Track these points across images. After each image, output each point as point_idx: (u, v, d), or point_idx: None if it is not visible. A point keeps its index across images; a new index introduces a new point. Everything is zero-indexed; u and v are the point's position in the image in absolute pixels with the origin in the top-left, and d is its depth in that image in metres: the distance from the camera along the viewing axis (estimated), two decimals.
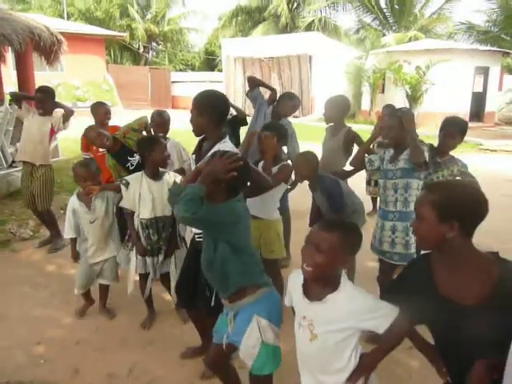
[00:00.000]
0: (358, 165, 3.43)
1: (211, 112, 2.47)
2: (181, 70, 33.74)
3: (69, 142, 8.68)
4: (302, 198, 3.69)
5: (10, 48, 6.95)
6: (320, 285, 1.64)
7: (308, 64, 18.70)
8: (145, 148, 3.07)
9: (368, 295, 1.64)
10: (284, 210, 4.40)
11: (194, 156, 2.67)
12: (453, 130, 3.29)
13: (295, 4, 27.61)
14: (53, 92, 4.71)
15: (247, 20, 28.18)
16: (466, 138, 12.41)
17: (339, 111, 3.98)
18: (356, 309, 1.59)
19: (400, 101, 15.90)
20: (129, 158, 3.96)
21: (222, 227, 1.96)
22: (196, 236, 2.59)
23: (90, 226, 3.21)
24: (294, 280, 1.78)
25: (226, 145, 2.47)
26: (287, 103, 4.19)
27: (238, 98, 18.98)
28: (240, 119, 4.33)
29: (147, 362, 2.89)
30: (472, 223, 1.45)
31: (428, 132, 14.74)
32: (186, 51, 36.00)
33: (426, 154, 2.87)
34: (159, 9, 30.13)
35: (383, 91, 17.65)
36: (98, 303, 3.49)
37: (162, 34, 30.92)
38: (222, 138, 2.50)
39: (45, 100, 4.54)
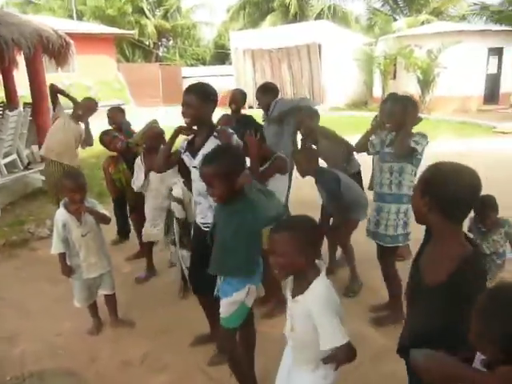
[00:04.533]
0: (362, 150, 3.50)
1: (212, 101, 2.64)
2: (192, 65, 33.85)
3: None
4: (313, 189, 3.81)
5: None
6: (297, 282, 1.75)
7: (317, 53, 18.59)
8: None
9: (327, 311, 1.62)
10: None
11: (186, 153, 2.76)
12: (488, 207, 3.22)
13: None
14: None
15: (255, 11, 28.05)
16: (480, 121, 12.36)
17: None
18: (312, 313, 1.63)
19: (412, 86, 15.75)
20: None
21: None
22: (203, 225, 2.70)
23: (81, 240, 3.02)
24: None
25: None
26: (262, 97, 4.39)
27: (248, 90, 18.80)
28: (252, 120, 4.46)
29: (159, 350, 3.03)
30: (449, 206, 1.47)
31: (441, 116, 14.64)
32: (196, 46, 36.09)
33: (414, 144, 2.93)
34: (169, 4, 30.22)
35: (395, 77, 17.46)
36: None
37: (172, 29, 31.04)
38: (213, 130, 2.66)
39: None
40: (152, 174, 3.69)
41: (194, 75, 24.74)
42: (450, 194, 1.45)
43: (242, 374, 2.49)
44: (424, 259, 1.62)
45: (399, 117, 3.03)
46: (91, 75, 17.98)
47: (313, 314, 1.62)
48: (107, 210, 3.34)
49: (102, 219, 3.11)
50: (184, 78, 24.32)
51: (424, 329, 1.50)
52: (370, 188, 4.31)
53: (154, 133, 3.88)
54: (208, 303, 2.93)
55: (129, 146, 4.26)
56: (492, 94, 16.90)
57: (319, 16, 25.00)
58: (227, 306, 2.28)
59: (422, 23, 20.02)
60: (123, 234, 4.98)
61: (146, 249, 4.17)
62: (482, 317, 1.20)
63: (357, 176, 4.06)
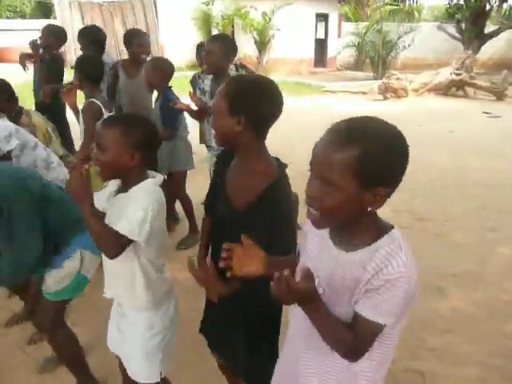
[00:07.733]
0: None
1: None
2: (8, 18, 29.14)
3: None
4: None
5: None
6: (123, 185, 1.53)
7: (153, 9, 17.59)
8: None
9: (142, 201, 1.44)
10: None
11: None
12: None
13: None
14: None
15: None
16: (312, 82, 13.39)
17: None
18: (127, 201, 1.47)
19: (250, 48, 16.10)
20: None
21: None
22: None
23: None
24: (100, 196, 1.62)
25: None
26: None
27: (78, 47, 17.13)
28: None
29: None
30: (263, 122, 1.40)
31: (278, 77, 15.37)
32: None
33: None
34: None
35: (233, 38, 17.62)
36: None
37: None
38: None
39: None
40: None
41: (11, 28, 21.39)
42: (265, 109, 1.37)
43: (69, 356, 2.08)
44: (230, 186, 1.50)
45: (215, 56, 2.89)
46: None
47: (127, 202, 1.44)
48: None
49: None
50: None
51: None
52: (202, 141, 4.15)
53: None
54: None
55: None
56: (321, 58, 18.34)
57: None
58: (55, 281, 1.86)
59: None
60: None
61: None
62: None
63: None
